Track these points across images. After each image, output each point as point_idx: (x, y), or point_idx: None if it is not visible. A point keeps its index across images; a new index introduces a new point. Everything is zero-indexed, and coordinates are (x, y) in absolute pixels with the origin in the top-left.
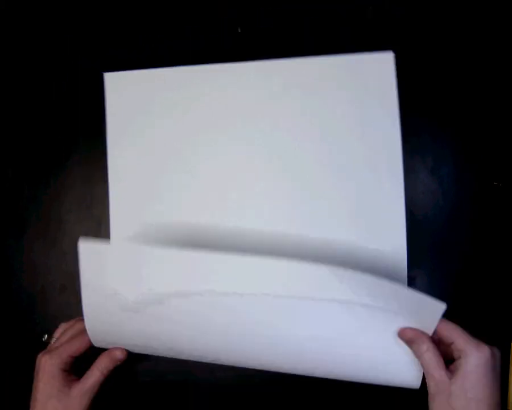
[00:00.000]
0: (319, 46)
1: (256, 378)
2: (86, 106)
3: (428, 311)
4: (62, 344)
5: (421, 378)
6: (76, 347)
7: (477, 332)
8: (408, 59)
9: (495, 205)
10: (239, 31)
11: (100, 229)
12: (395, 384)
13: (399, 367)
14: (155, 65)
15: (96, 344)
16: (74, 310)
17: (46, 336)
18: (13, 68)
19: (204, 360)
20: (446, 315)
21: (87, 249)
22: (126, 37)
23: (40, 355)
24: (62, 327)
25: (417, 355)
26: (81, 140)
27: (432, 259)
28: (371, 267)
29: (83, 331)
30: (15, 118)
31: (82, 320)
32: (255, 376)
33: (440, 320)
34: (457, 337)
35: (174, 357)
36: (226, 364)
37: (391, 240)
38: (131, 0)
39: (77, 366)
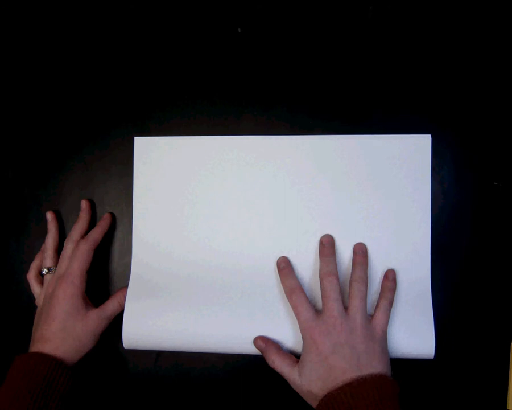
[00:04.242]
0: (319, 46)
1: (251, 375)
2: (86, 106)
3: (417, 147)
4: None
5: (434, 347)
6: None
7: (477, 332)
8: (407, 59)
9: (495, 205)
10: (239, 31)
11: None
12: (410, 355)
13: (412, 337)
14: (154, 65)
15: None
16: None
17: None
18: (13, 68)
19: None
20: (446, 315)
21: None
22: (125, 37)
23: (51, 280)
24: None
25: (269, 363)
26: (81, 141)
27: (432, 259)
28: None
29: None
30: (15, 118)
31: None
32: (250, 373)
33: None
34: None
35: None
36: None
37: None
38: (130, 1)
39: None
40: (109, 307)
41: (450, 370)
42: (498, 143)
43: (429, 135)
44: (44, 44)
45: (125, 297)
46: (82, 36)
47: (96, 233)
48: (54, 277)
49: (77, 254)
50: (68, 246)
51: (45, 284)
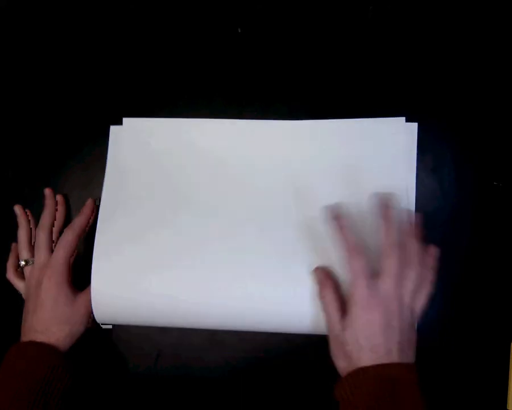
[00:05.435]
0: (319, 46)
1: (251, 375)
2: (86, 106)
3: (403, 133)
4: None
5: None
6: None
7: (477, 332)
8: (408, 58)
9: (495, 205)
10: (239, 31)
11: None
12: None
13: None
14: (154, 65)
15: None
16: None
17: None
18: (13, 69)
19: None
20: (446, 315)
21: None
22: (125, 37)
23: (32, 271)
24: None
25: (319, 297)
26: (81, 141)
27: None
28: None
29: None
30: (15, 118)
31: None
32: (250, 373)
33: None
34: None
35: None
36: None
37: None
38: (130, 1)
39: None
40: None
41: (450, 370)
42: (498, 143)
43: (416, 123)
44: (44, 45)
45: None
46: (82, 37)
47: (80, 221)
48: (35, 268)
49: (62, 243)
50: (41, 234)
51: (26, 276)
